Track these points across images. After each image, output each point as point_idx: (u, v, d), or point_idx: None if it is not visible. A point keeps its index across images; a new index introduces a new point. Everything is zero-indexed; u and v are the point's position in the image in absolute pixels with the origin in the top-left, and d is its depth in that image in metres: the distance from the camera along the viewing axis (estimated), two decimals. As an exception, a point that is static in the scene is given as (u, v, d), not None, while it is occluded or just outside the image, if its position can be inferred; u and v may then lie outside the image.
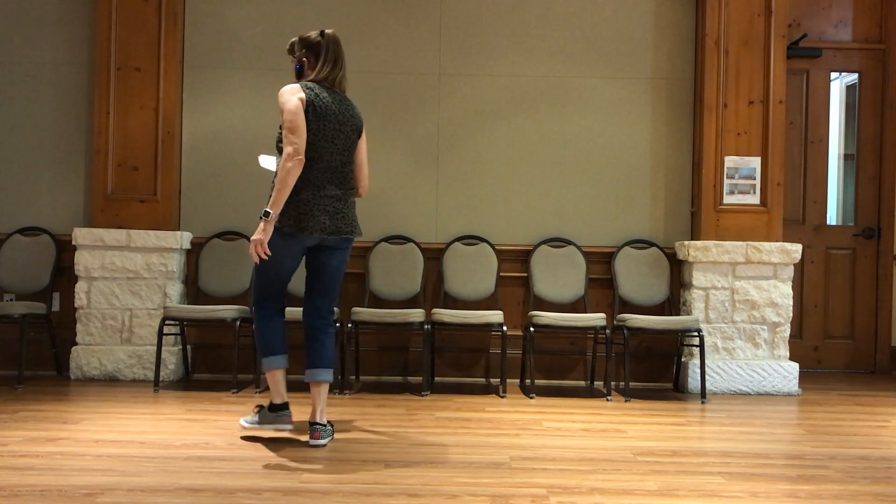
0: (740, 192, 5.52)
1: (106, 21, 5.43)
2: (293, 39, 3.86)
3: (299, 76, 3.83)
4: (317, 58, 3.78)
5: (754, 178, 5.52)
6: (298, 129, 3.59)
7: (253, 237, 3.58)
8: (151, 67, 5.46)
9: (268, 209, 3.56)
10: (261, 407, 3.87)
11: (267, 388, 5.11)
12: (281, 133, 3.69)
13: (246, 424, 3.87)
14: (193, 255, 5.59)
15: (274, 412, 3.79)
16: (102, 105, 5.44)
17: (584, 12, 5.74)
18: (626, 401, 5.00)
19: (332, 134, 3.71)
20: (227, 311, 5.08)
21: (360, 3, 5.72)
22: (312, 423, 3.73)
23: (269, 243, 3.60)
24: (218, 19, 5.68)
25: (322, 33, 3.80)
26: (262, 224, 3.58)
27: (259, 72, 5.65)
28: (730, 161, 5.52)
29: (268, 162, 4.04)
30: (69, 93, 5.63)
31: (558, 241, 5.69)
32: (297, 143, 3.58)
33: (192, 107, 5.65)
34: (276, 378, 3.80)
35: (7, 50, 5.64)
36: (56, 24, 5.63)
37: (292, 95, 3.64)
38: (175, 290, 5.42)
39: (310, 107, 3.65)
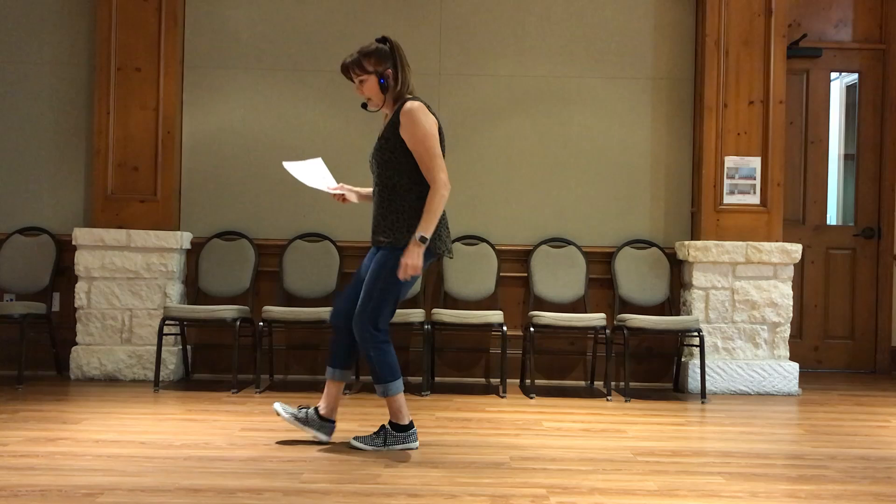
0: (740, 192, 5.52)
1: (106, 21, 5.43)
2: (352, 58, 3.63)
3: (384, 90, 3.65)
4: (395, 67, 3.63)
5: (754, 178, 5.52)
6: (440, 153, 3.57)
7: (409, 261, 3.48)
8: (151, 68, 5.46)
9: (424, 235, 3.48)
10: (385, 428, 3.66)
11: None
12: (383, 143, 3.61)
13: (366, 448, 3.62)
14: (193, 255, 5.59)
15: (404, 432, 3.64)
16: (102, 105, 5.44)
17: (584, 12, 5.74)
18: (626, 401, 5.00)
19: (443, 152, 3.69)
20: (227, 311, 5.07)
21: (360, 3, 5.71)
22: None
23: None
24: (218, 19, 5.67)
25: (385, 40, 3.66)
26: (416, 249, 3.48)
27: (259, 72, 5.65)
28: (730, 161, 5.52)
29: (297, 170, 3.85)
30: (69, 93, 5.63)
31: (558, 241, 5.68)
32: (444, 168, 3.54)
33: (192, 107, 5.65)
34: (403, 399, 3.66)
35: (7, 50, 5.64)
36: (56, 24, 5.63)
37: (427, 117, 3.55)
38: (175, 290, 5.42)
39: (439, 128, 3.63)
